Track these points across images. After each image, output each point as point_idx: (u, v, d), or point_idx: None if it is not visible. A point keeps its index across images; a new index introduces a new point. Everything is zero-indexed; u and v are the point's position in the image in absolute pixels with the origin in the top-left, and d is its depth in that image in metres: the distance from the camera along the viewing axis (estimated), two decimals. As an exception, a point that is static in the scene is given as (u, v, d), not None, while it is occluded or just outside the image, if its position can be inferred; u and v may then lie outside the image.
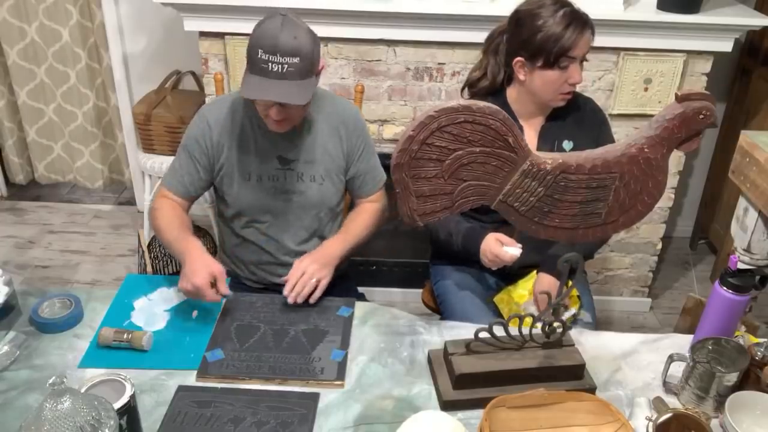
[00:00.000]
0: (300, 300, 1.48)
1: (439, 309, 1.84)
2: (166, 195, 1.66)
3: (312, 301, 1.50)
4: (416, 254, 2.72)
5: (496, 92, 1.69)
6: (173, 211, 1.63)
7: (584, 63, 1.60)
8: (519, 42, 1.58)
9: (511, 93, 1.68)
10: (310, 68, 1.45)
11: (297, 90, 1.43)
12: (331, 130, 1.65)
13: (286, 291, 1.50)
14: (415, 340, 1.42)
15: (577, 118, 1.71)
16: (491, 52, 1.68)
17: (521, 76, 1.61)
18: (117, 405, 1.10)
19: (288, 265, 1.69)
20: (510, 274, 1.73)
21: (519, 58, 1.59)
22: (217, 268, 1.44)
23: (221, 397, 1.25)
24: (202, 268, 1.42)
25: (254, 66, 1.43)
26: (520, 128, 1.66)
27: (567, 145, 1.70)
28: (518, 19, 1.59)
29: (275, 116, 1.49)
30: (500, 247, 1.57)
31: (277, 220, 1.68)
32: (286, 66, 1.40)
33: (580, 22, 1.53)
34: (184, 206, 1.67)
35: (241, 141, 1.62)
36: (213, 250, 2.47)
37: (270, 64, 1.40)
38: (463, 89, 1.76)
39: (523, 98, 1.66)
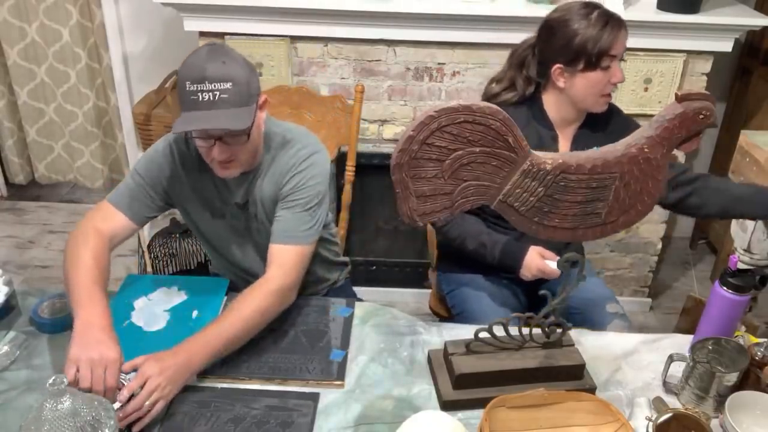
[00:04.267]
0: (130, 420, 1.16)
1: (454, 317, 1.80)
2: (105, 216, 1.45)
3: (141, 425, 1.17)
4: (416, 254, 2.72)
5: (526, 101, 1.66)
6: (99, 246, 1.38)
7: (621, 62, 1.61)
8: (555, 50, 1.57)
9: (548, 100, 1.66)
10: (246, 96, 1.31)
11: (231, 117, 1.29)
12: (272, 171, 1.49)
13: (120, 398, 1.16)
14: (415, 340, 1.42)
15: (608, 125, 1.70)
16: (516, 65, 1.66)
17: (561, 84, 1.59)
18: (116, 406, 1.12)
19: None
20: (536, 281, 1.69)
21: (558, 65, 1.57)
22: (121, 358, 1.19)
23: (221, 397, 1.25)
24: (115, 346, 1.19)
25: (184, 102, 1.29)
26: (555, 136, 1.67)
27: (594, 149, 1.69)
28: (550, 27, 1.58)
29: (218, 156, 1.34)
30: (544, 262, 1.58)
31: (248, 252, 1.61)
32: (217, 93, 1.27)
33: (615, 20, 1.54)
34: (126, 229, 1.47)
35: (201, 181, 1.52)
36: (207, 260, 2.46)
37: (199, 94, 1.27)
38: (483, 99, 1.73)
39: (562, 106, 1.64)
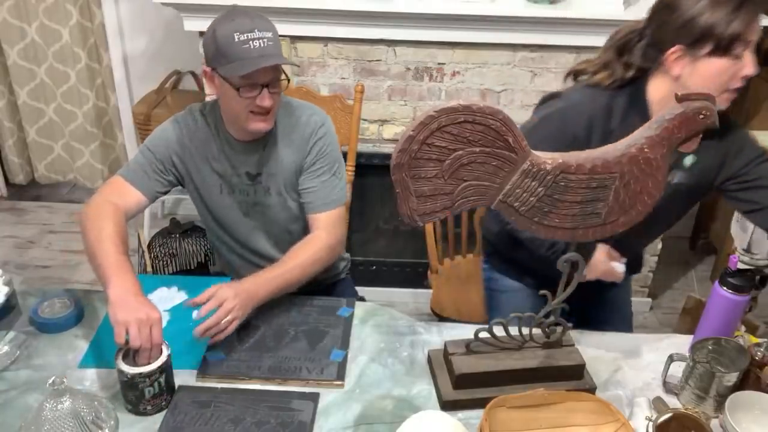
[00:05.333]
0: (208, 335, 1.31)
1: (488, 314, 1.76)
2: (119, 191, 1.49)
3: (217, 339, 1.33)
4: (416, 254, 2.72)
5: (627, 86, 1.42)
6: (118, 218, 1.43)
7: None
8: (674, 30, 1.32)
9: (655, 90, 1.40)
10: (281, 46, 1.43)
11: (281, 60, 1.41)
12: (288, 141, 1.56)
13: (197, 314, 1.31)
14: (415, 340, 1.42)
15: (723, 135, 1.43)
16: (615, 49, 1.43)
17: (676, 71, 1.34)
18: (157, 364, 1.18)
19: None
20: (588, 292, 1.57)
21: (676, 49, 1.32)
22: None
23: (221, 397, 1.25)
24: (155, 307, 1.24)
25: (232, 54, 1.38)
26: None
27: (689, 159, 1.45)
28: (669, 4, 1.34)
29: (266, 102, 1.41)
30: (611, 264, 1.46)
31: (255, 233, 1.64)
32: (265, 40, 1.38)
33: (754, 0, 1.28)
34: (139, 204, 1.52)
35: (211, 155, 1.57)
36: (213, 251, 2.47)
37: (251, 42, 1.37)
38: (567, 77, 1.51)
39: (671, 98, 1.36)
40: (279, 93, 1.47)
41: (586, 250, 1.39)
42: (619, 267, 1.45)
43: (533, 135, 1.36)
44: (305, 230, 1.61)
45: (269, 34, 1.40)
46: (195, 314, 1.46)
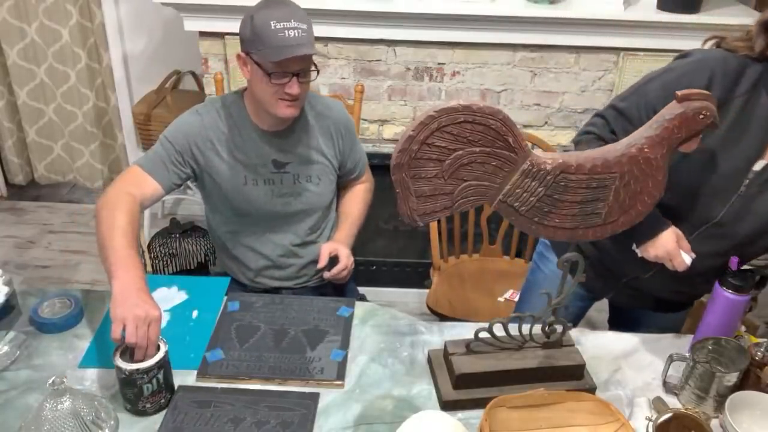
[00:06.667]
0: (332, 277, 1.64)
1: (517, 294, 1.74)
2: (137, 181, 1.50)
3: (344, 281, 1.70)
4: (416, 254, 2.72)
5: (765, 61, 1.30)
6: (134, 210, 1.43)
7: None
8: None
9: None
10: (314, 41, 1.47)
11: (314, 51, 1.47)
12: (324, 132, 1.65)
13: (321, 264, 1.62)
14: (415, 340, 1.42)
15: None
16: (763, 24, 1.28)
17: None
18: (154, 360, 1.18)
19: (285, 267, 1.68)
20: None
21: None
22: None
23: (221, 397, 1.25)
24: (156, 305, 1.23)
25: (268, 41, 1.42)
26: None
27: None
28: None
29: (295, 90, 1.47)
30: (678, 249, 1.33)
31: (275, 222, 1.66)
32: (300, 31, 1.43)
33: None
34: (155, 194, 1.53)
35: (235, 145, 1.59)
36: (213, 251, 2.47)
37: (286, 31, 1.41)
38: (707, 41, 1.42)
39: None
40: (308, 83, 1.51)
41: (654, 228, 1.34)
42: (686, 257, 1.34)
43: (653, 81, 1.37)
44: (324, 219, 1.72)
45: (305, 26, 1.44)
46: (195, 313, 1.46)
